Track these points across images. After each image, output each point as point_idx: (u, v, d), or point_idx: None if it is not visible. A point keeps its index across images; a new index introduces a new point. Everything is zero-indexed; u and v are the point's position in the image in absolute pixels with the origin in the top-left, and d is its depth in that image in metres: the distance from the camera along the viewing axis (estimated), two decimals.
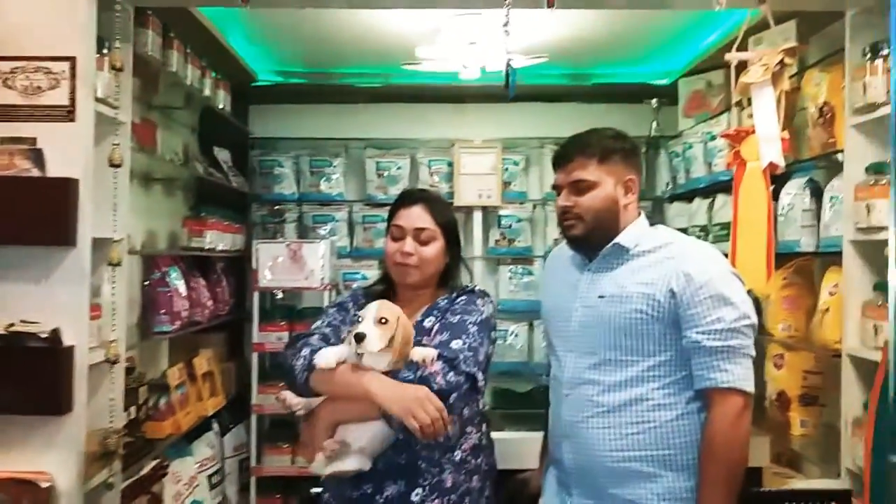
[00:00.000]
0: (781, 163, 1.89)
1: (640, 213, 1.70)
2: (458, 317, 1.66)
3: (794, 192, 2.47)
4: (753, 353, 1.56)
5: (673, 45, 3.43)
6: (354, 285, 3.99)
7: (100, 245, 2.05)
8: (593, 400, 1.58)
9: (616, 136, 1.69)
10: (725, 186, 3.20)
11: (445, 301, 1.75)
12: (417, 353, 1.54)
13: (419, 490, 1.60)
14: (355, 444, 1.56)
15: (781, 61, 1.84)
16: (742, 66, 2.00)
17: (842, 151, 2.20)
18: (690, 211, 3.54)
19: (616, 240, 1.64)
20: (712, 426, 1.52)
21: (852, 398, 2.14)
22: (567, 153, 1.68)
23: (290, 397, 1.63)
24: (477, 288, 1.80)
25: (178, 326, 2.90)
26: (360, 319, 1.55)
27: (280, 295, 3.98)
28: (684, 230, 3.62)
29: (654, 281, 1.57)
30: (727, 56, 2.00)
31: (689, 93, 3.65)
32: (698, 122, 3.50)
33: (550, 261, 1.89)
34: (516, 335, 3.97)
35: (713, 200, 3.30)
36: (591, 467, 1.58)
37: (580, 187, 1.64)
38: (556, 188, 1.71)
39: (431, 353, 1.54)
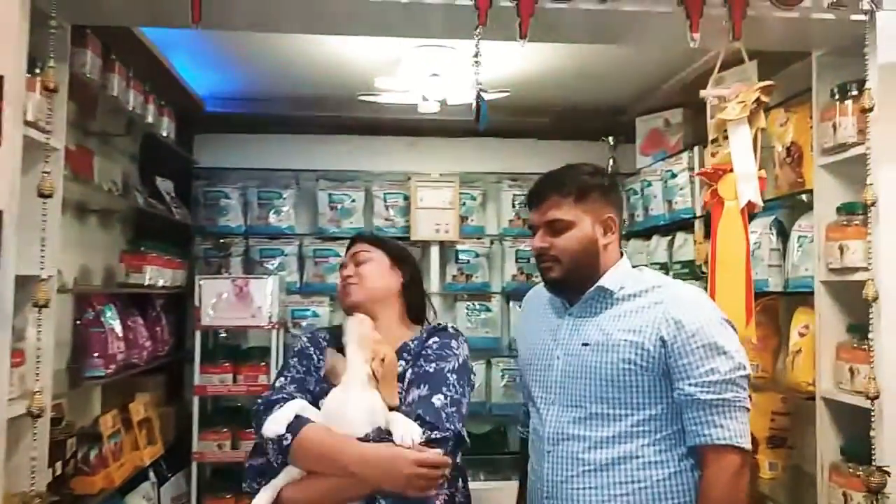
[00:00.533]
0: (759, 201, 1.84)
1: (622, 254, 1.61)
2: (433, 365, 1.53)
3: (760, 231, 2.45)
4: (749, 405, 1.47)
5: (631, 82, 3.43)
6: (304, 323, 3.82)
7: (24, 283, 1.83)
8: (579, 458, 1.46)
9: (593, 172, 1.60)
10: (685, 224, 3.20)
11: (415, 342, 1.62)
12: (400, 428, 1.42)
13: None
14: None
15: (758, 99, 1.80)
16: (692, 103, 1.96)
17: (810, 191, 2.18)
18: (649, 248, 3.51)
19: (599, 282, 1.54)
20: (708, 486, 1.42)
21: (828, 442, 2.09)
22: (541, 191, 1.59)
23: None
24: (449, 326, 1.67)
25: (113, 370, 2.67)
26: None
27: (224, 334, 3.77)
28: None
29: (642, 328, 1.47)
30: (702, 93, 1.96)
31: (647, 131, 3.66)
32: (656, 160, 3.49)
33: (527, 302, 1.78)
34: (474, 374, 3.83)
35: (673, 238, 3.28)
36: None
37: (556, 227, 1.54)
38: (531, 228, 1.61)
39: (416, 431, 1.42)
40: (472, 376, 1.60)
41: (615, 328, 1.49)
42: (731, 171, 1.84)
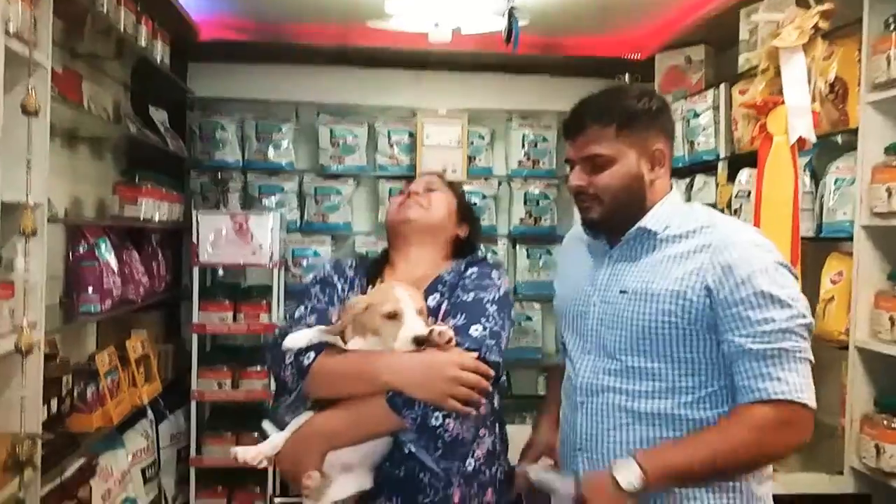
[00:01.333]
0: (812, 137, 1.71)
1: (671, 188, 1.43)
2: (471, 294, 1.39)
3: None
4: (812, 358, 1.29)
5: (651, 17, 3.23)
6: (305, 263, 3.70)
7: (10, 211, 1.70)
8: (614, 411, 1.34)
9: (640, 96, 1.38)
10: (707, 167, 3.06)
11: (451, 275, 1.46)
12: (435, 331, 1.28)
13: None
14: (352, 460, 1.28)
15: (815, 24, 1.64)
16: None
17: (853, 131, 2.05)
18: None
19: (641, 222, 1.37)
20: (760, 437, 1.26)
21: (860, 393, 2.01)
22: (578, 120, 1.39)
23: (242, 453, 1.31)
24: (489, 257, 1.54)
25: (109, 306, 2.55)
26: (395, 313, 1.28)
27: (222, 272, 3.65)
28: None
29: (686, 276, 1.31)
30: (755, 17, 1.80)
31: (667, 68, 3.48)
32: (676, 99, 3.32)
33: (567, 242, 1.62)
34: (530, 319, 3.83)
35: (692, 181, 3.14)
36: None
37: (596, 163, 1.35)
38: (568, 162, 1.43)
39: (448, 332, 1.28)
40: (513, 311, 1.46)
41: (656, 275, 1.34)
42: (783, 103, 1.69)
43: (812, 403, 1.26)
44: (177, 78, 3.48)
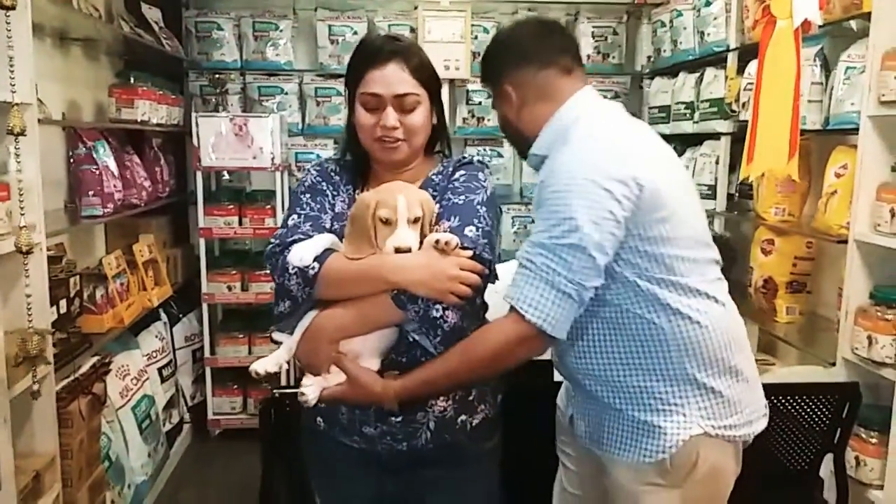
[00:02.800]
0: (818, 20, 1.62)
1: (548, 114, 1.41)
2: (462, 197, 1.39)
3: (803, 64, 2.22)
4: (569, 286, 1.25)
5: None
6: (308, 166, 3.67)
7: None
8: None
9: (486, 51, 1.50)
10: (716, 60, 2.95)
11: (439, 176, 1.45)
12: (439, 235, 1.30)
13: None
14: (360, 348, 1.34)
15: None
16: None
17: (867, 15, 1.94)
18: (675, 87, 3.28)
19: (532, 150, 1.44)
20: (475, 338, 1.31)
21: (857, 286, 2.01)
22: None
23: (261, 366, 1.35)
24: (475, 159, 1.52)
25: (112, 209, 2.57)
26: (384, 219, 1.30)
27: (227, 176, 3.65)
28: (667, 108, 3.38)
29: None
30: None
31: None
32: None
33: None
34: (499, 208, 3.76)
35: (702, 75, 3.04)
36: None
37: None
38: None
39: (454, 240, 1.30)
40: (499, 210, 1.47)
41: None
42: None
43: (536, 321, 1.26)
44: None
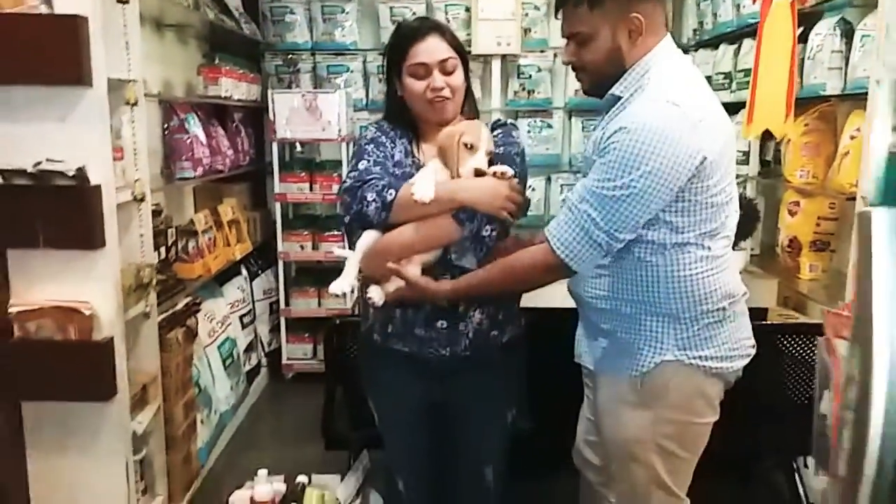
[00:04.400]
0: None
1: (647, 52, 1.47)
2: (501, 149, 1.67)
3: (825, 33, 2.36)
4: (601, 237, 1.44)
5: None
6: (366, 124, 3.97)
7: (115, 87, 2.05)
8: None
9: None
10: (753, 31, 3.07)
11: None
12: (494, 168, 1.59)
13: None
14: (413, 265, 1.61)
15: None
16: None
17: None
18: (716, 58, 3.42)
19: (612, 90, 1.50)
20: (514, 258, 1.54)
21: None
22: (558, 2, 1.53)
23: (336, 287, 1.62)
24: (508, 121, 1.79)
25: (201, 173, 2.97)
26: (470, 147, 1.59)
27: (299, 147, 4.02)
28: (708, 79, 3.52)
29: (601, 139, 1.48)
30: None
31: None
32: None
33: None
34: (533, 189, 3.99)
35: (739, 46, 3.17)
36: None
37: (577, 40, 1.51)
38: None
39: (509, 171, 1.58)
40: (526, 164, 1.73)
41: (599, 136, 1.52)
42: None
43: (563, 257, 1.47)
44: None
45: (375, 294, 1.60)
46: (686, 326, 1.52)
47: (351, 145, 3.80)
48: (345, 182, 1.66)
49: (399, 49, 1.68)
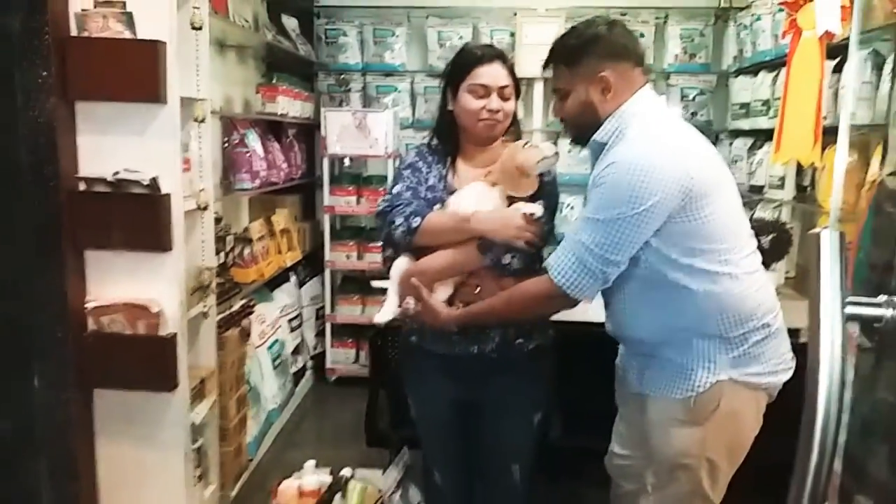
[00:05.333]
0: (838, 30, 1.87)
1: (622, 104, 1.58)
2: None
3: (855, 66, 2.44)
4: (594, 263, 1.51)
5: None
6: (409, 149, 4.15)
7: (186, 104, 2.25)
8: None
9: (580, 32, 1.60)
10: None
11: None
12: (525, 207, 1.72)
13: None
14: (442, 288, 1.77)
15: None
16: None
17: None
18: (754, 85, 3.50)
19: (594, 137, 1.61)
20: (515, 289, 1.64)
21: None
22: (546, 61, 1.67)
23: (382, 317, 1.79)
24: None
25: (258, 185, 3.17)
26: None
27: (348, 162, 4.21)
28: (746, 105, 3.60)
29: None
30: None
31: None
32: None
33: None
34: (572, 208, 4.10)
35: (777, 74, 3.25)
36: None
37: (560, 95, 1.64)
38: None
39: (539, 212, 1.71)
40: (558, 192, 1.86)
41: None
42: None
43: (561, 285, 1.54)
44: None
45: (411, 303, 1.76)
46: (737, 345, 1.56)
47: (397, 161, 3.98)
48: (379, 205, 1.83)
49: (463, 67, 1.81)
